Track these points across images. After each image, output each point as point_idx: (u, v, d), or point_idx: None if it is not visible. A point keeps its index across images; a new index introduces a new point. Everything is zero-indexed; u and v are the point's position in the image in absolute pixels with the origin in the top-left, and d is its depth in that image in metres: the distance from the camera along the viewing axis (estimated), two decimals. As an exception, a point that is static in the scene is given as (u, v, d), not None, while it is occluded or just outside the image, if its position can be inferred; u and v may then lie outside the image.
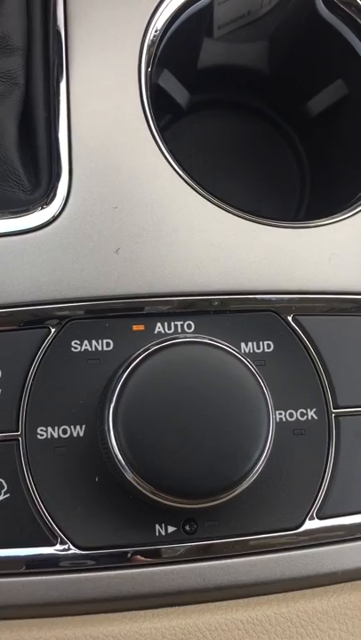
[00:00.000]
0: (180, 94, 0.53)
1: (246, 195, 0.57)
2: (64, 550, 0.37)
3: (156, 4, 0.44)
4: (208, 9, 0.50)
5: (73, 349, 0.39)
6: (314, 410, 0.40)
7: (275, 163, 0.60)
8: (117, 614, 0.37)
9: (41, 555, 0.37)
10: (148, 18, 0.44)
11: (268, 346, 0.41)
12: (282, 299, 0.41)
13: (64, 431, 0.38)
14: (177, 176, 0.42)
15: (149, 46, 0.44)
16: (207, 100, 0.58)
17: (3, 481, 0.37)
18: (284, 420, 0.40)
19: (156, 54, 0.45)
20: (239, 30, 0.59)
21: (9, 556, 0.37)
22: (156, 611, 0.37)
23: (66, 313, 0.39)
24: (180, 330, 0.40)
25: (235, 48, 0.57)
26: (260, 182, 0.59)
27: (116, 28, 0.44)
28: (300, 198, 0.59)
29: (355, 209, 0.44)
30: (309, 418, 0.40)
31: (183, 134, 0.57)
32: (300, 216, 0.57)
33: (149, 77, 0.44)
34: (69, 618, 0.37)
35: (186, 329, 0.40)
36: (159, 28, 0.45)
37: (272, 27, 0.57)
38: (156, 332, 0.40)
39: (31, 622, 0.37)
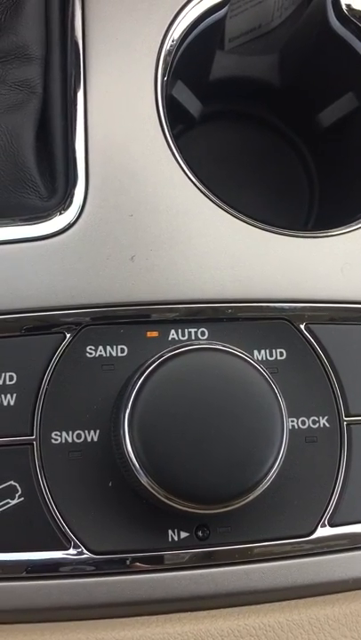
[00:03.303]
0: (193, 105, 0.53)
1: (255, 205, 0.57)
2: (77, 555, 0.37)
3: (173, 16, 0.45)
4: (221, 22, 0.51)
5: (88, 355, 0.39)
6: (326, 417, 0.40)
7: (284, 174, 0.60)
8: (130, 619, 0.37)
9: (54, 559, 0.37)
10: (165, 28, 0.45)
11: (281, 354, 0.41)
12: (294, 307, 0.42)
13: (78, 436, 0.38)
14: (192, 185, 0.43)
15: (166, 56, 0.44)
16: (218, 111, 0.59)
17: (17, 485, 0.37)
18: (296, 427, 0.40)
19: (172, 64, 0.45)
20: (250, 43, 0.60)
21: (22, 560, 0.37)
22: (168, 616, 0.37)
23: (81, 319, 0.39)
24: (193, 337, 0.40)
25: (246, 60, 0.58)
26: (269, 193, 0.60)
27: (133, 38, 0.44)
28: (308, 209, 0.59)
29: (366, 219, 0.45)
30: (321, 425, 0.40)
31: (194, 144, 0.58)
32: (308, 227, 0.57)
33: (165, 87, 0.44)
34: (82, 622, 0.37)
35: (200, 336, 0.40)
36: (176, 38, 0.45)
37: (283, 40, 0.57)
38: (170, 338, 0.40)
39: (43, 626, 0.37)
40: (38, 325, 0.39)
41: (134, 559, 0.37)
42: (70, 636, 0.36)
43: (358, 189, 0.53)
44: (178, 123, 0.55)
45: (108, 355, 0.39)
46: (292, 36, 0.56)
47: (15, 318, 0.39)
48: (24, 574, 0.37)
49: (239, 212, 0.43)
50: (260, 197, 0.59)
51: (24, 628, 0.36)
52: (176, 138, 0.56)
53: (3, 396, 0.38)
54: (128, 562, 0.37)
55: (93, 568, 0.37)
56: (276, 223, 0.44)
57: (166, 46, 0.44)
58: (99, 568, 0.37)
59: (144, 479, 0.35)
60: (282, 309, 0.41)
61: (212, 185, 0.45)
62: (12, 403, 0.38)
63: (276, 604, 0.38)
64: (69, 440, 0.38)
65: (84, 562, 0.37)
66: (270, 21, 0.60)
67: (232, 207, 0.43)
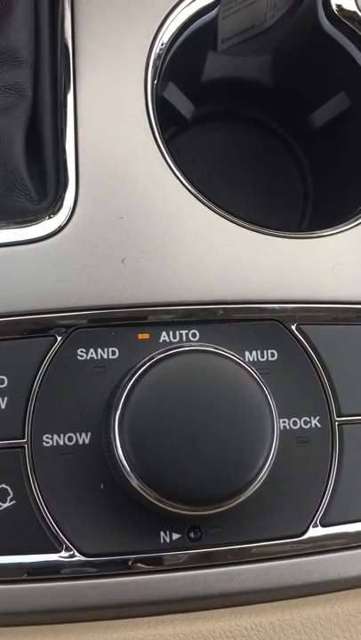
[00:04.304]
0: (184, 107, 0.53)
1: (249, 206, 0.57)
2: (69, 557, 0.37)
3: (162, 18, 0.45)
4: (213, 23, 0.51)
5: (79, 357, 0.39)
6: (317, 418, 0.40)
7: (278, 174, 0.60)
8: (121, 621, 0.37)
9: (46, 561, 0.37)
10: (154, 31, 0.45)
11: (272, 354, 0.41)
12: (286, 308, 0.42)
13: (70, 438, 0.38)
14: (182, 187, 0.43)
15: (155, 59, 0.44)
16: (211, 112, 0.59)
17: (8, 488, 0.37)
18: (288, 427, 0.40)
19: (161, 67, 0.45)
20: (243, 44, 0.60)
21: (14, 563, 0.37)
22: (160, 617, 0.37)
23: (72, 322, 0.39)
24: (184, 338, 0.40)
25: (239, 61, 0.58)
26: (263, 194, 0.60)
27: (122, 41, 0.44)
28: (302, 210, 0.59)
29: (357, 219, 0.44)
30: (313, 426, 0.40)
31: (187, 146, 0.58)
32: (302, 228, 0.57)
33: (155, 90, 0.44)
34: (73, 625, 0.37)
35: (191, 338, 0.40)
36: (165, 41, 0.45)
37: (275, 40, 0.58)
38: (161, 340, 0.40)
39: (35, 629, 0.37)
40: (29, 328, 0.39)
41: (126, 561, 0.38)
42: (63, 639, 0.36)
43: (351, 190, 0.53)
44: (170, 124, 0.55)
45: (99, 357, 0.39)
46: (284, 36, 0.56)
47: (5, 321, 0.39)
48: (16, 577, 0.37)
49: (230, 213, 0.43)
50: (254, 199, 0.59)
51: (16, 630, 0.37)
52: (170, 140, 0.56)
53: (-6, 399, 0.38)
54: (120, 564, 0.37)
55: (86, 570, 0.37)
56: (268, 224, 0.44)
57: (156, 49, 0.44)
58: (90, 570, 0.37)
59: (135, 482, 0.35)
60: (273, 310, 0.41)
61: (206, 186, 0.45)
62: (2, 406, 0.38)
63: (268, 604, 0.38)
64: (61, 443, 0.38)
65: (77, 564, 0.37)
66: (263, 22, 0.60)
67: (223, 209, 0.43)
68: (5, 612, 0.37)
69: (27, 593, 0.37)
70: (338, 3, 0.49)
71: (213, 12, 0.49)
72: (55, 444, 0.38)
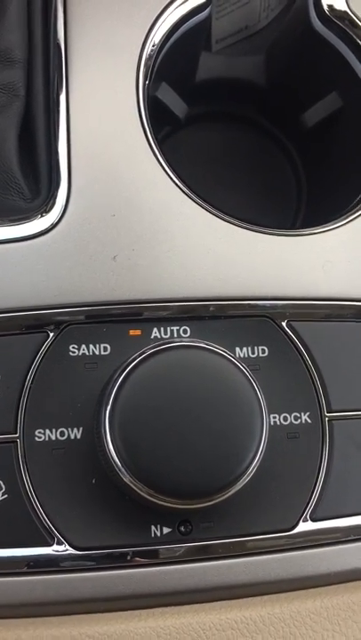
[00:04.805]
0: (177, 107, 0.54)
1: (243, 206, 0.57)
2: (61, 551, 0.37)
3: (153, 19, 0.45)
4: (206, 23, 0.51)
5: (71, 353, 0.40)
6: (308, 414, 0.41)
7: (271, 174, 0.60)
8: (113, 614, 0.38)
9: (38, 555, 0.37)
10: (145, 32, 0.45)
11: (263, 351, 0.41)
12: (276, 305, 0.42)
13: (61, 433, 0.39)
14: (173, 185, 0.43)
15: (147, 60, 0.45)
16: (205, 112, 0.59)
17: (1, 482, 0.38)
18: (278, 423, 0.40)
19: (153, 68, 0.46)
20: (237, 44, 0.60)
21: (7, 557, 0.37)
22: (151, 610, 0.38)
23: (64, 318, 0.40)
24: (175, 335, 0.41)
25: (232, 61, 0.58)
26: (257, 194, 0.60)
27: (114, 42, 0.45)
28: (296, 209, 0.60)
29: (348, 217, 0.45)
30: (303, 421, 0.41)
31: (181, 146, 0.58)
32: (296, 227, 0.58)
33: (147, 90, 0.45)
34: (66, 617, 0.37)
35: (182, 334, 0.41)
36: (156, 42, 0.46)
37: (269, 41, 0.58)
38: (152, 336, 0.40)
39: (28, 621, 0.37)
40: (22, 324, 0.40)
41: (117, 555, 0.38)
42: (54, 631, 0.37)
43: (344, 188, 0.53)
44: (164, 124, 0.56)
45: (90, 353, 0.40)
46: (277, 36, 0.57)
47: (-2, 318, 0.39)
48: (8, 570, 0.37)
49: (221, 211, 0.43)
50: (248, 198, 0.59)
51: (8, 623, 0.37)
52: (163, 140, 0.56)
53: (-14, 394, 0.38)
54: (111, 558, 0.38)
55: (77, 564, 0.38)
56: (262, 223, 0.45)
57: (147, 50, 0.45)
58: (82, 564, 0.38)
59: (125, 476, 0.35)
60: (264, 307, 0.42)
61: (200, 186, 0.45)
62: (-5, 401, 0.38)
63: (258, 597, 0.39)
64: (53, 437, 0.38)
65: (68, 558, 0.37)
66: (257, 22, 0.60)
67: (214, 207, 0.43)
68: (-3, 604, 0.37)
69: (19, 586, 0.37)
70: (329, 3, 0.50)
71: (205, 13, 0.49)
72: (47, 438, 0.38)
